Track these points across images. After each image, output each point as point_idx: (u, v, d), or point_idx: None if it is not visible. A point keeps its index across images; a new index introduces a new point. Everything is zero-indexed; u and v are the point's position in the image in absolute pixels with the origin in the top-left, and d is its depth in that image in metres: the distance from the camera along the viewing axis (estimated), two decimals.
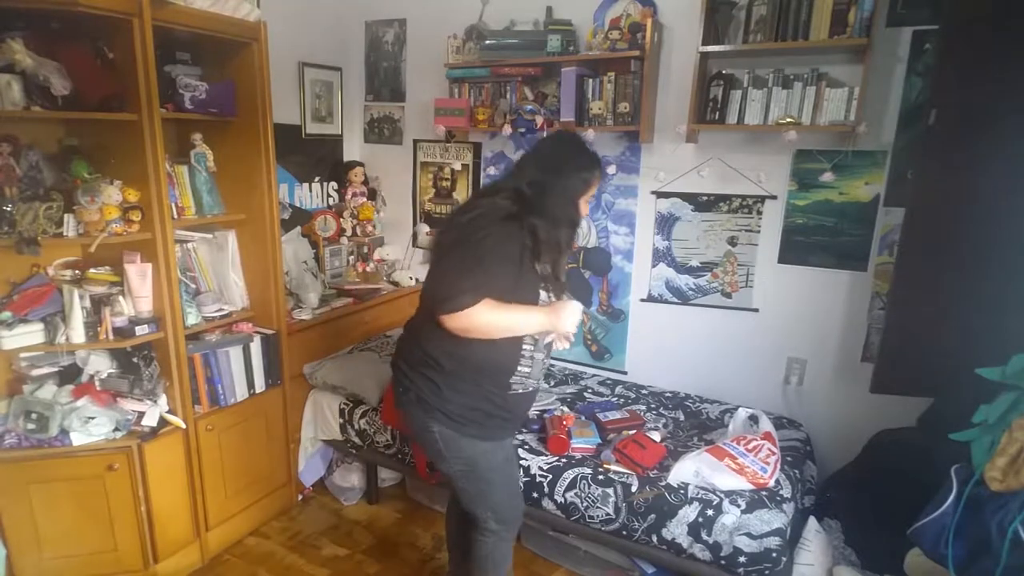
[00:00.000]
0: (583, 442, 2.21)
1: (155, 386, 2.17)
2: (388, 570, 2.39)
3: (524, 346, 1.64)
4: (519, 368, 1.66)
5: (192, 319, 2.24)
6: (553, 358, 2.46)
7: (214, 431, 2.32)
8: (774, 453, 2.01)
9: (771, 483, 1.95)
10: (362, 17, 3.28)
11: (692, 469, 1.98)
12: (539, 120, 2.68)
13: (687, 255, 2.72)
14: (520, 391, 1.70)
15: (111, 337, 2.04)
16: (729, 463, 1.96)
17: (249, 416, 2.47)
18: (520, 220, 1.52)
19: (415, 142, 3.32)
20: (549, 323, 1.59)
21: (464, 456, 1.69)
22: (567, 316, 1.59)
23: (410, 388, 1.65)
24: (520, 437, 2.27)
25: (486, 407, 1.66)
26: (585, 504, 2.04)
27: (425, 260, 3.36)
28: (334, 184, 3.25)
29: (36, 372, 2.10)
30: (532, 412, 2.35)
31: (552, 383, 2.81)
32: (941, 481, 1.67)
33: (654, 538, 1.97)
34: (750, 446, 2.02)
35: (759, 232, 2.56)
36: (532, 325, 1.59)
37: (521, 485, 2.03)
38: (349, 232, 3.18)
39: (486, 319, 1.51)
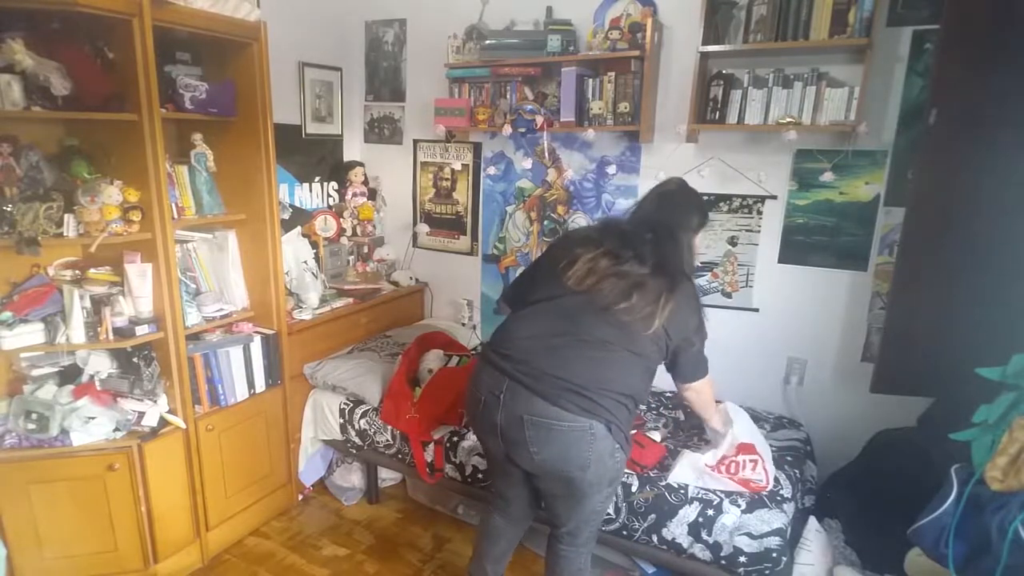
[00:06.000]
0: None
1: (155, 386, 2.17)
2: (388, 570, 2.39)
3: None
4: None
5: (192, 319, 2.25)
6: None
7: (214, 431, 2.32)
8: (757, 458, 1.96)
9: (770, 484, 1.95)
10: (362, 17, 3.28)
11: (692, 475, 1.98)
12: (539, 120, 2.68)
13: None
14: None
15: (111, 337, 2.04)
16: (727, 477, 1.95)
17: (249, 416, 2.47)
18: None
19: (415, 142, 3.32)
20: None
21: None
22: None
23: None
24: None
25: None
26: None
27: (428, 261, 3.39)
28: (334, 184, 3.25)
29: (36, 372, 2.10)
30: None
31: None
32: (941, 481, 1.67)
33: (654, 538, 1.97)
34: (731, 467, 1.96)
35: (759, 232, 2.56)
36: None
37: None
38: (349, 232, 3.18)
39: None
